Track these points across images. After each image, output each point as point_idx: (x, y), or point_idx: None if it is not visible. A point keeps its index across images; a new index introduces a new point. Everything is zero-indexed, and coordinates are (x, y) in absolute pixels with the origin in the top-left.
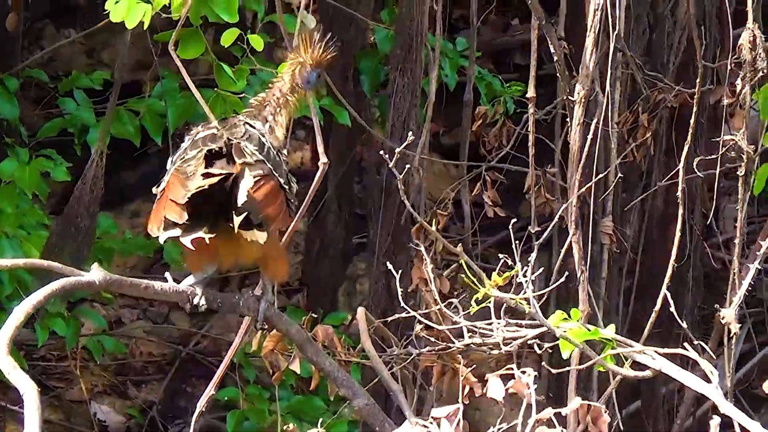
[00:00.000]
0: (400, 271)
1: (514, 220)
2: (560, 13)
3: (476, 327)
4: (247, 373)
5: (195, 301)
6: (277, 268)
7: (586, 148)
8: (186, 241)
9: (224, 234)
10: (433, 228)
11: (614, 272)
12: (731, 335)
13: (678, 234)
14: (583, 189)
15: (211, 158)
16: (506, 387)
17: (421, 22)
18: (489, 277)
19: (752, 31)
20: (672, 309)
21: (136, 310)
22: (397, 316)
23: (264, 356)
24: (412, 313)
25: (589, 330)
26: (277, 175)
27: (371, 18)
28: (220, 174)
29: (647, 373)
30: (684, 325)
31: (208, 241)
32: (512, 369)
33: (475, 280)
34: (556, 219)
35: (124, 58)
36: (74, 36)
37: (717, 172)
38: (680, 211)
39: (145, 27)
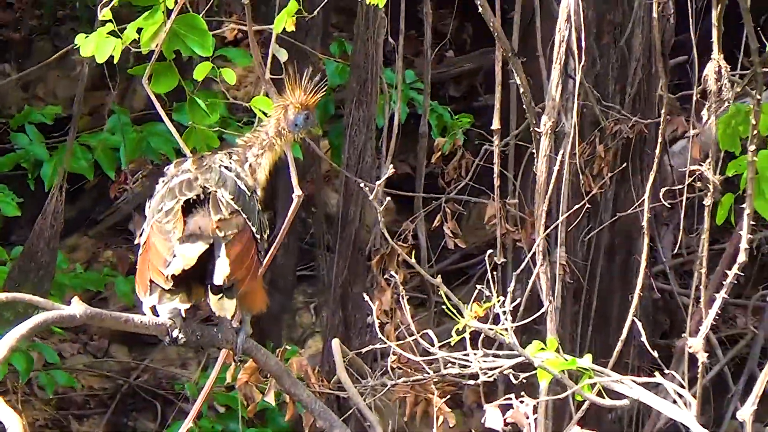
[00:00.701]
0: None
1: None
2: (512, 42)
3: (454, 357)
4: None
5: (174, 334)
6: (254, 300)
7: (553, 179)
8: (163, 311)
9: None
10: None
11: (567, 301)
12: (698, 363)
13: (643, 263)
14: (561, 219)
15: (188, 209)
16: (504, 417)
17: (376, 55)
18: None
19: (717, 61)
20: (644, 338)
21: (76, 345)
22: (371, 347)
23: (238, 388)
24: (389, 343)
25: (567, 360)
26: (250, 223)
27: (321, 51)
28: (197, 255)
29: (625, 402)
30: (655, 354)
31: (183, 314)
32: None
33: (454, 310)
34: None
35: (80, 94)
36: (8, 70)
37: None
38: (645, 240)
39: (115, 61)
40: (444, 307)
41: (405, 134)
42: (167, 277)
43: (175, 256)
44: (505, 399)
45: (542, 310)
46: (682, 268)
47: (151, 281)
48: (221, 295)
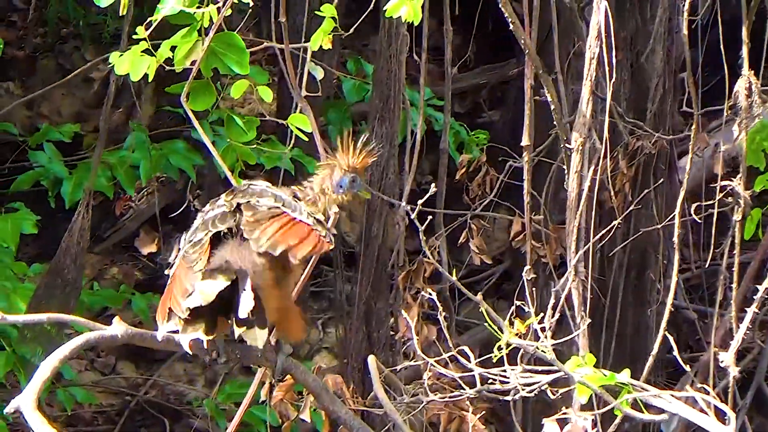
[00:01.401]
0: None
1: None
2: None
3: (491, 374)
4: (219, 421)
5: (214, 355)
6: (290, 329)
7: (584, 196)
8: (184, 341)
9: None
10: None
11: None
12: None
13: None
14: (597, 237)
15: (217, 242)
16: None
17: (399, 72)
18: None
19: (748, 78)
20: (675, 353)
21: (83, 361)
22: (406, 364)
23: (273, 406)
24: (426, 359)
25: (605, 375)
26: (291, 212)
27: (337, 69)
28: (215, 292)
29: (663, 416)
30: (687, 368)
31: (205, 345)
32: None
33: (495, 327)
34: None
35: (106, 112)
36: (12, 89)
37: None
38: (676, 256)
39: (150, 80)
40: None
41: (421, 151)
42: (184, 309)
43: (194, 291)
44: (562, 414)
45: (578, 326)
46: (688, 284)
47: (170, 309)
48: (253, 328)
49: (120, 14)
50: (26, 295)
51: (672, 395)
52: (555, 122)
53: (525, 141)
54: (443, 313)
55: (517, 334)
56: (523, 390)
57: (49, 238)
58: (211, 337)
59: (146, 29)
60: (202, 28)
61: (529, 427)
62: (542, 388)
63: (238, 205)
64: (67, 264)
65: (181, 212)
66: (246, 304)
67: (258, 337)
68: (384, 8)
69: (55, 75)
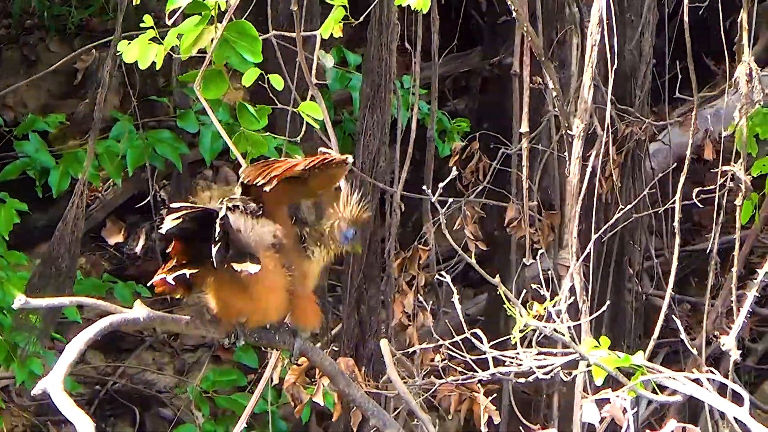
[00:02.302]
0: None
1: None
2: (515, 46)
3: (505, 356)
4: (203, 408)
5: (233, 338)
6: (307, 318)
7: (585, 182)
8: (170, 278)
9: (226, 283)
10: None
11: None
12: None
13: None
14: (612, 225)
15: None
16: (601, 411)
17: (390, 60)
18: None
19: (748, 64)
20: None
21: (52, 351)
22: (419, 347)
23: (286, 389)
24: (441, 342)
25: (620, 357)
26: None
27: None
28: (186, 210)
29: (678, 398)
30: (695, 351)
31: (188, 276)
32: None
33: (514, 310)
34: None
35: (101, 102)
36: None
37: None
38: (676, 241)
39: (158, 67)
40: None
41: (405, 140)
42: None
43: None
44: (601, 394)
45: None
46: (653, 271)
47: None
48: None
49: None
50: (20, 284)
51: (686, 377)
52: (557, 109)
53: (524, 128)
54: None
55: (534, 317)
56: (538, 372)
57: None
58: (194, 270)
59: (168, 18)
60: (215, 17)
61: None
62: (556, 370)
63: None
64: (61, 253)
65: (147, 202)
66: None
67: (250, 267)
68: None
69: (20, 66)
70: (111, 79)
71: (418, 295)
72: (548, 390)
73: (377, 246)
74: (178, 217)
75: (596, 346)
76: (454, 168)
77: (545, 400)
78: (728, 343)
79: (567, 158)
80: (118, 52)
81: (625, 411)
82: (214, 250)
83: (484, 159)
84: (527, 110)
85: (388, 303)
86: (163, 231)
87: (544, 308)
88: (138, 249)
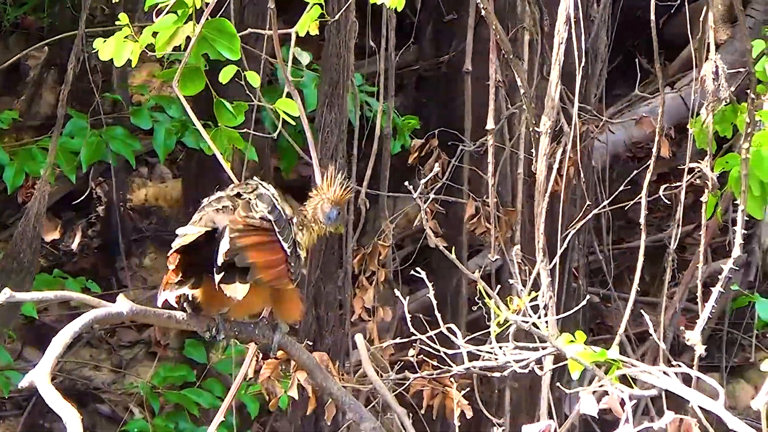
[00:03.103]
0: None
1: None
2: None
3: (480, 350)
4: (154, 404)
5: (213, 330)
6: (289, 310)
7: (553, 178)
8: (171, 297)
9: (216, 293)
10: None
11: None
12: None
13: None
14: (586, 222)
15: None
16: (599, 404)
17: (348, 58)
18: None
19: (715, 62)
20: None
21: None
22: (392, 342)
23: (261, 383)
24: (419, 336)
25: (596, 352)
26: (279, 234)
27: (271, 55)
28: (199, 232)
29: (653, 392)
30: (663, 346)
31: (191, 298)
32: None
33: (494, 305)
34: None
35: (64, 98)
36: None
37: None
38: (642, 236)
39: (133, 65)
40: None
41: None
42: (170, 254)
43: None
44: (599, 386)
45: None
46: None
47: (168, 281)
48: (234, 283)
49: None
50: None
51: (663, 371)
52: (525, 107)
53: (489, 125)
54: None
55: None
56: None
57: None
58: (197, 291)
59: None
60: (193, 15)
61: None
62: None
63: (238, 194)
64: (23, 248)
65: (83, 199)
66: (223, 247)
67: (238, 289)
68: None
69: None
70: (74, 76)
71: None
72: (500, 385)
73: (334, 242)
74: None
75: (572, 341)
76: (437, 166)
77: (497, 395)
78: (693, 338)
79: (528, 156)
80: (94, 49)
81: (622, 403)
82: (218, 277)
83: (442, 156)
84: (492, 108)
85: (346, 299)
86: (173, 247)
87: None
88: (74, 246)
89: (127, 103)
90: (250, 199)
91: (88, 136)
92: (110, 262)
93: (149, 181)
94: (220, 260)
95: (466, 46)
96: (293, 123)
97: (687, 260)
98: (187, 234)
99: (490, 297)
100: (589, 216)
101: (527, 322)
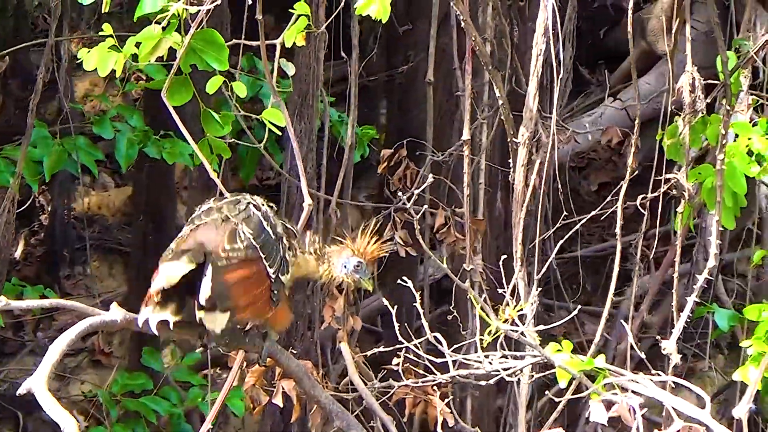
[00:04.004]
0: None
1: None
2: (430, 56)
3: (468, 359)
4: (111, 411)
5: (205, 338)
6: (279, 319)
7: (530, 189)
8: (153, 323)
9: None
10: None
11: None
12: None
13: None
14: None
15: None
16: (609, 411)
17: (317, 69)
18: None
19: (691, 74)
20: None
21: None
22: (376, 350)
23: (245, 391)
24: (407, 344)
25: (583, 360)
26: (265, 261)
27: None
28: (179, 275)
29: (640, 399)
30: (642, 355)
31: (172, 327)
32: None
33: (484, 314)
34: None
35: (34, 107)
36: None
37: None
38: (618, 245)
39: (117, 75)
40: None
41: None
42: (153, 291)
43: (160, 273)
44: (612, 394)
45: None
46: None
47: (149, 296)
48: (214, 312)
49: (103, 11)
50: None
51: (650, 380)
52: (503, 117)
53: (465, 135)
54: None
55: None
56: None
57: None
58: (178, 318)
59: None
60: (181, 25)
61: None
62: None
63: (227, 217)
64: None
65: (26, 207)
66: (204, 290)
67: (217, 321)
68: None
69: None
70: (45, 86)
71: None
72: (461, 394)
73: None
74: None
75: (559, 350)
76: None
77: (458, 403)
78: (669, 346)
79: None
80: (79, 57)
81: (632, 410)
82: (198, 314)
83: (411, 166)
84: (468, 118)
85: (315, 307)
86: (153, 290)
87: (512, 313)
88: (17, 254)
89: (75, 113)
90: (236, 224)
91: (50, 145)
92: (54, 270)
93: (92, 190)
94: (202, 302)
95: (429, 57)
96: (279, 133)
97: (629, 270)
98: (171, 275)
99: (481, 306)
100: (556, 226)
101: (516, 332)
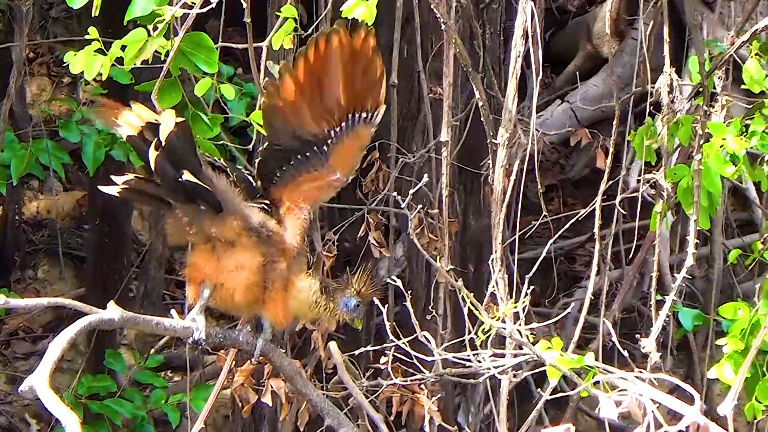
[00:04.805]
0: None
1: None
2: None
3: (457, 357)
4: (78, 414)
5: (195, 336)
6: (277, 313)
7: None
8: (119, 181)
9: (200, 245)
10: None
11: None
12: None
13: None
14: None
15: None
16: (619, 407)
17: None
18: None
19: (669, 74)
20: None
21: None
22: (364, 349)
23: (234, 390)
24: (397, 342)
25: (573, 358)
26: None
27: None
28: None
29: (629, 397)
30: (626, 353)
31: (134, 183)
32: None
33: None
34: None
35: (5, 114)
36: None
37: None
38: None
39: (104, 77)
40: None
41: None
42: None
43: None
44: (619, 393)
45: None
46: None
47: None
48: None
49: (93, 15)
50: None
51: (637, 377)
52: (482, 118)
53: (444, 137)
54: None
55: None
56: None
57: None
58: (140, 176)
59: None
60: (170, 29)
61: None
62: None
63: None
64: None
65: None
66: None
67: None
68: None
69: None
70: (19, 88)
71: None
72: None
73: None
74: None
75: (549, 348)
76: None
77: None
78: (648, 345)
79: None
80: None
81: (643, 407)
82: (152, 155)
83: (383, 168)
84: (446, 120)
85: None
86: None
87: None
88: None
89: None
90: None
91: (16, 149)
92: (5, 274)
93: (40, 194)
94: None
95: (392, 60)
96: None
97: (576, 271)
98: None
99: (473, 304)
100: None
101: (505, 329)
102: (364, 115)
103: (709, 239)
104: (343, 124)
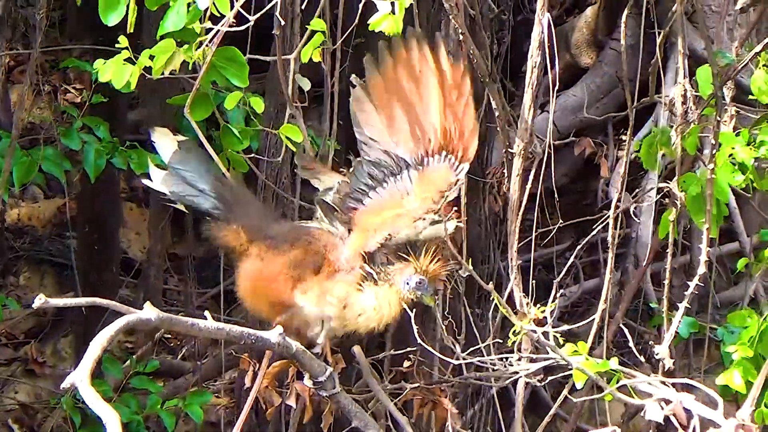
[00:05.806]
0: None
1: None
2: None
3: (484, 362)
4: (75, 418)
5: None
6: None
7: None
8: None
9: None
10: None
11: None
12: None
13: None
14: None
15: None
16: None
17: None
18: None
19: (683, 85)
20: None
21: None
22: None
23: (259, 393)
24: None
25: (598, 363)
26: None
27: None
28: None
29: (653, 402)
30: (642, 359)
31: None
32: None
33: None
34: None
35: (18, 123)
36: None
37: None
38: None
39: (132, 87)
40: None
41: None
42: None
43: None
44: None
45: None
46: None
47: None
48: None
49: (128, 31)
50: None
51: (662, 382)
52: (498, 128)
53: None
54: None
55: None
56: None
57: None
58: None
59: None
60: (203, 42)
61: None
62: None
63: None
64: None
65: None
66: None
67: None
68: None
69: None
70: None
71: None
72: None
73: None
74: None
75: (575, 352)
76: None
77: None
78: (662, 352)
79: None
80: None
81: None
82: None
83: None
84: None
85: None
86: None
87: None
88: None
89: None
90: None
91: (19, 156)
92: None
93: (21, 201)
94: None
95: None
96: (294, 149)
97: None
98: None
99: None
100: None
101: (536, 332)
102: (452, 159)
103: (689, 248)
104: (432, 157)
